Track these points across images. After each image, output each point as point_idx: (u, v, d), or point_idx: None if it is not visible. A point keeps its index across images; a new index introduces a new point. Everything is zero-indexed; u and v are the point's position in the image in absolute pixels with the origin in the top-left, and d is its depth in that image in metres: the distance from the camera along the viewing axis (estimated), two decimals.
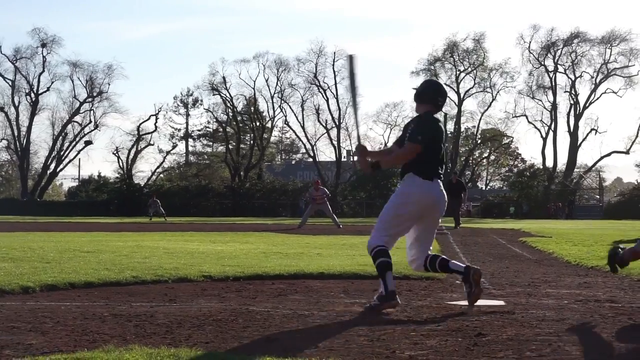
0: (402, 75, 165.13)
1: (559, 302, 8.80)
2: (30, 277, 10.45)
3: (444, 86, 9.16)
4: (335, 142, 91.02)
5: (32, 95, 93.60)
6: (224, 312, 7.92)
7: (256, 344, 6.21)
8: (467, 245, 20.26)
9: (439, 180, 8.43)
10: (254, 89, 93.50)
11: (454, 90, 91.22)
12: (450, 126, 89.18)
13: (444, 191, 8.49)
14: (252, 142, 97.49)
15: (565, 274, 12.44)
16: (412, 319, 7.60)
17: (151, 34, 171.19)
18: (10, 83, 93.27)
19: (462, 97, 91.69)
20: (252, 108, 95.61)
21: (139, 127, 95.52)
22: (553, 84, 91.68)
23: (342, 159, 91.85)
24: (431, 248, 8.90)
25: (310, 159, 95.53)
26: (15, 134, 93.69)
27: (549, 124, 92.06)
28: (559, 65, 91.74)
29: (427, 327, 7.10)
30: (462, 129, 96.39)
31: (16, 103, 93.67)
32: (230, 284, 10.66)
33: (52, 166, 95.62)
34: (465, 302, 8.47)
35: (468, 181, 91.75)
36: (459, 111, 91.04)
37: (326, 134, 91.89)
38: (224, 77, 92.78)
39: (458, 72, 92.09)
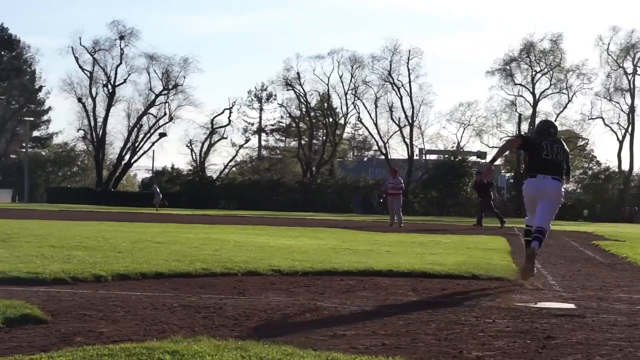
0: (477, 75, 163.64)
1: (632, 308, 8.66)
2: (102, 266, 10.60)
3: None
4: (407, 140, 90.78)
5: (109, 86, 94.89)
6: (292, 307, 7.95)
7: (323, 339, 6.22)
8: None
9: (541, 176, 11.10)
10: (327, 85, 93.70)
11: (529, 90, 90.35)
12: (525, 127, 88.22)
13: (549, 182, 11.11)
14: (324, 138, 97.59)
15: (638, 279, 12.23)
16: (481, 319, 7.54)
17: (227, 27, 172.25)
18: (88, 74, 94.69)
19: (537, 98, 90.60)
20: (326, 104, 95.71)
21: (212, 120, 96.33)
22: (631, 86, 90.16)
23: (415, 157, 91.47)
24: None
25: (382, 157, 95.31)
26: (92, 124, 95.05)
27: (626, 127, 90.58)
28: (638, 68, 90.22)
29: (496, 328, 7.03)
30: None
31: (94, 94, 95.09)
32: (299, 279, 10.69)
33: (127, 157, 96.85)
34: (534, 304, 8.40)
35: None
36: (534, 112, 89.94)
37: (399, 132, 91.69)
38: (298, 73, 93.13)
39: (534, 73, 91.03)
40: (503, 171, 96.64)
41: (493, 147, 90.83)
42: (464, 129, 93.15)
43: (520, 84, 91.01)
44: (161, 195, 58.58)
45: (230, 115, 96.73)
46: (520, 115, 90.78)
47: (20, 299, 7.48)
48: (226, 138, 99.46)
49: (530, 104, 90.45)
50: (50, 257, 11.95)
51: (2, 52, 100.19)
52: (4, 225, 20.44)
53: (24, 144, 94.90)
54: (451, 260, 13.79)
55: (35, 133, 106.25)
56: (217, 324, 6.86)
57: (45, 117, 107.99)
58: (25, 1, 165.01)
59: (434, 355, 5.76)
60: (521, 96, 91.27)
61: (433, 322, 7.28)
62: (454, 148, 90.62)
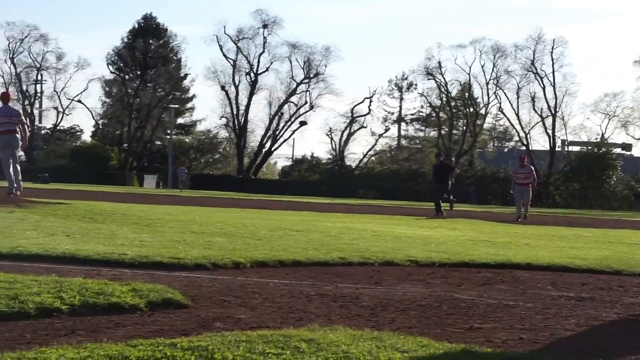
0: (624, 64, 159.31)
1: None
2: (242, 253, 10.76)
3: None
4: (549, 131, 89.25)
5: (252, 75, 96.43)
6: (428, 298, 7.92)
7: (459, 332, 6.18)
8: None
9: None
10: (469, 74, 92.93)
11: None
12: None
13: None
14: (464, 128, 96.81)
15: None
16: (622, 316, 7.36)
17: (369, 16, 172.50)
18: (232, 63, 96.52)
19: None
20: (467, 94, 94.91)
21: (352, 109, 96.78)
22: None
23: (557, 149, 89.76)
24: None
25: (523, 147, 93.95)
26: (234, 112, 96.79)
27: None
28: None
29: (638, 326, 6.85)
30: None
31: (236, 82, 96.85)
32: (435, 270, 10.64)
33: (268, 145, 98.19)
34: None
35: None
36: None
37: (541, 123, 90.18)
38: (439, 62, 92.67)
39: None
40: None
41: (639, 138, 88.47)
42: (609, 120, 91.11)
43: None
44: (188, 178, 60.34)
45: (370, 105, 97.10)
46: None
47: (162, 283, 7.67)
48: (366, 127, 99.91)
49: None
50: (191, 242, 12.22)
51: (150, 41, 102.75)
52: (149, 211, 20.99)
53: (168, 131, 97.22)
54: (593, 254, 13.50)
55: (180, 120, 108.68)
56: (353, 313, 6.89)
57: (189, 105, 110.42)
58: None
59: (573, 351, 5.66)
60: None
61: (572, 317, 7.14)
62: (598, 139, 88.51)
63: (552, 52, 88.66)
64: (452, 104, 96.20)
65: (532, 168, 32.30)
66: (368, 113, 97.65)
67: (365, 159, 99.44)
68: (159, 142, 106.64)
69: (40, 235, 12.17)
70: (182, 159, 79.83)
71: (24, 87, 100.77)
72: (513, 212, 29.92)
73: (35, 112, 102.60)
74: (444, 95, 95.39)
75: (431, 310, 7.19)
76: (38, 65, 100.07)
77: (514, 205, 33.45)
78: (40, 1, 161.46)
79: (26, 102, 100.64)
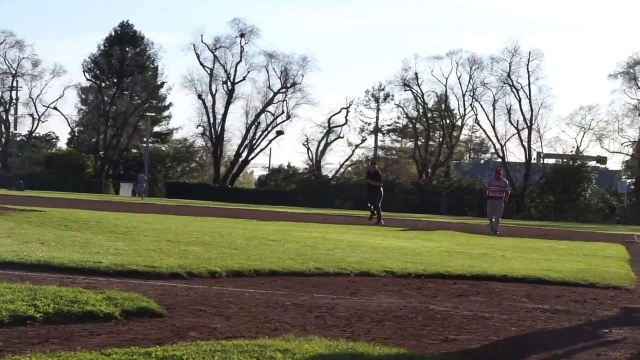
0: (599, 78, 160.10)
1: None
2: (218, 262, 10.75)
3: None
4: (525, 144, 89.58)
5: (229, 83, 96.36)
6: (404, 309, 7.93)
7: (434, 343, 6.19)
8: None
9: None
10: (445, 86, 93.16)
11: None
12: None
13: None
14: (441, 139, 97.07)
15: None
16: (597, 328, 7.39)
17: (346, 26, 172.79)
18: (208, 71, 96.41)
19: None
20: (443, 105, 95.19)
21: (329, 119, 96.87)
22: None
23: (532, 161, 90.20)
24: None
25: (499, 159, 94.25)
26: (211, 121, 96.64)
27: None
28: None
29: (612, 338, 6.89)
30: None
31: (213, 91, 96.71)
32: (411, 281, 10.66)
33: (244, 154, 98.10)
34: None
35: None
36: None
37: (517, 135, 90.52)
38: (416, 73, 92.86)
39: None
40: (624, 177, 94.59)
41: (614, 152, 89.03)
42: (584, 133, 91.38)
43: None
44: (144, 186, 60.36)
45: (347, 115, 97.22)
46: None
47: (137, 291, 7.65)
48: (342, 137, 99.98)
49: None
50: (167, 251, 12.20)
51: (127, 49, 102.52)
52: (124, 219, 20.93)
53: (145, 139, 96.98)
54: (567, 267, 13.57)
55: (156, 128, 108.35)
56: (328, 323, 6.89)
57: (166, 113, 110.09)
58: None
59: None
60: None
61: (547, 330, 7.17)
62: (573, 152, 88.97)
63: (527, 65, 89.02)
64: (429, 115, 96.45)
65: (507, 182, 31.37)
66: (345, 123, 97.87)
67: (342, 169, 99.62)
68: (135, 150, 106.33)
69: (15, 243, 12.12)
70: (141, 170, 79.79)
71: (0, 94, 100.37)
72: (488, 224, 29.92)
73: (11, 118, 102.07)
74: (420, 106, 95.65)
75: (407, 322, 7.20)
76: (13, 72, 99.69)
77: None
78: (16, 7, 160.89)
79: (1, 109, 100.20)
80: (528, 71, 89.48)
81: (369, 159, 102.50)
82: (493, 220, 29.10)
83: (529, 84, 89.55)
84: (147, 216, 24.85)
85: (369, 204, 32.76)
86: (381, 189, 32.40)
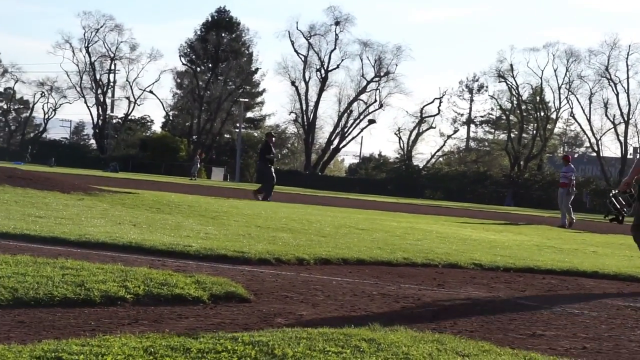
0: None
1: None
2: (306, 250, 10.79)
3: None
4: (621, 138, 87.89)
5: (322, 71, 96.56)
6: (491, 303, 7.86)
7: (521, 338, 6.12)
8: None
9: None
10: (541, 78, 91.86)
11: None
12: None
13: None
14: (534, 132, 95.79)
15: None
16: None
17: (441, 16, 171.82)
18: (303, 59, 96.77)
19: None
20: (538, 97, 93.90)
21: (422, 109, 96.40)
22: None
23: (628, 156, 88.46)
24: None
25: (594, 154, 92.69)
26: (304, 108, 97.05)
27: None
28: None
29: None
30: None
31: (307, 78, 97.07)
32: (500, 275, 10.55)
33: (336, 142, 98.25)
34: None
35: None
36: None
37: (613, 129, 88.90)
38: (511, 65, 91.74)
39: None
40: None
41: None
42: None
43: None
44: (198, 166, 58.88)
45: (440, 105, 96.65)
46: None
47: (226, 276, 7.72)
48: (435, 127, 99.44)
49: None
50: (256, 237, 12.29)
51: (223, 34, 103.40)
52: (215, 204, 21.13)
53: (237, 124, 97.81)
54: None
55: (249, 114, 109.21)
56: (415, 314, 6.86)
57: (259, 99, 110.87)
58: None
59: None
60: None
61: (638, 328, 7.03)
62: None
63: (627, 59, 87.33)
64: (523, 107, 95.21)
65: (573, 168, 28.65)
66: (437, 114, 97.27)
67: (433, 160, 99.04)
68: (228, 135, 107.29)
69: (108, 224, 12.34)
70: (199, 150, 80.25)
71: (98, 76, 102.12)
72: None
73: (108, 101, 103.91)
74: (514, 98, 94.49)
75: (494, 315, 7.13)
76: (112, 55, 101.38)
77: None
78: None
79: (99, 91, 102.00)
80: (627, 65, 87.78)
81: (460, 150, 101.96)
82: (561, 212, 27.88)
83: (628, 78, 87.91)
84: (238, 201, 25.06)
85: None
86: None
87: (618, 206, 11.05)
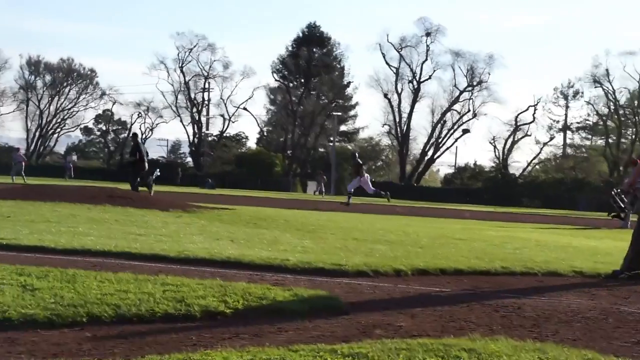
0: None
1: None
2: (403, 261, 10.75)
3: None
4: None
5: (415, 82, 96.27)
6: (593, 310, 7.72)
7: (626, 346, 6.00)
8: None
9: None
10: (638, 82, 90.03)
11: None
12: None
13: None
14: (633, 136, 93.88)
15: None
16: None
17: (533, 23, 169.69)
18: (394, 71, 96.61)
19: None
20: (636, 102, 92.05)
21: (516, 117, 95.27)
22: None
23: None
24: None
25: None
26: (397, 120, 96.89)
27: None
28: None
29: None
30: None
31: (399, 90, 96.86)
32: (601, 282, 10.37)
33: (430, 152, 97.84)
34: None
35: None
36: None
37: None
38: (607, 70, 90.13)
39: None
40: None
41: None
42: None
43: None
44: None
45: (534, 113, 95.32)
46: None
47: (324, 289, 7.75)
48: (530, 135, 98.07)
49: None
50: (353, 249, 12.29)
51: (314, 49, 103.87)
52: (312, 217, 21.22)
53: (331, 138, 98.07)
54: None
55: (343, 127, 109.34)
56: (515, 324, 6.79)
57: (352, 112, 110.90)
58: (337, 0, 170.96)
59: None
60: None
61: None
62: None
63: None
64: (621, 112, 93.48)
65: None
66: (532, 121, 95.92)
67: (530, 168, 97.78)
68: (322, 149, 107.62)
69: (206, 240, 12.48)
70: (321, 171, 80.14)
71: (192, 95, 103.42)
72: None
73: (203, 119, 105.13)
74: (611, 103, 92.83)
75: (596, 323, 7.00)
76: (206, 74, 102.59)
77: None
78: (209, 12, 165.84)
79: (194, 110, 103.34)
80: None
81: (557, 157, 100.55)
82: (629, 215, 26.62)
83: None
84: (334, 214, 25.11)
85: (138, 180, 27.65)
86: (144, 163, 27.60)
87: (621, 204, 11.02)
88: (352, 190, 34.14)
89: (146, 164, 27.97)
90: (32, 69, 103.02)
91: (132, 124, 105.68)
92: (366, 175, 34.02)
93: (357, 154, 36.33)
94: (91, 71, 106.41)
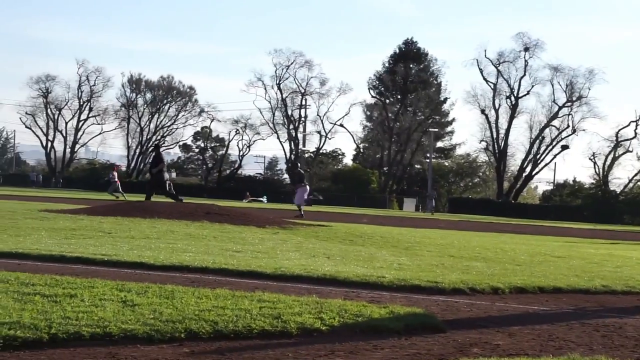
0: None
1: None
2: (500, 279, 10.64)
3: None
4: None
5: (512, 98, 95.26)
6: None
7: None
8: None
9: None
10: None
11: None
12: None
13: None
14: None
15: None
16: None
17: (634, 35, 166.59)
18: (492, 86, 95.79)
19: None
20: None
21: (617, 133, 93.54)
22: None
23: None
24: None
25: None
26: (494, 136, 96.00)
27: None
28: None
29: None
30: None
31: (496, 106, 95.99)
32: None
33: (528, 169, 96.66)
34: None
35: None
36: None
37: None
38: None
39: None
40: None
41: None
42: None
43: None
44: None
45: (636, 128, 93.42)
46: None
47: (420, 306, 7.71)
48: (632, 151, 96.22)
49: None
50: (449, 266, 12.22)
51: (411, 65, 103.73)
52: (407, 234, 21.16)
53: (428, 155, 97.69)
54: None
55: (439, 144, 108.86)
56: (616, 343, 6.66)
57: (449, 129, 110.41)
58: (434, 16, 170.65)
59: None
60: None
61: None
62: None
63: None
64: None
65: None
66: (634, 137, 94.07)
67: (631, 184, 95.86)
68: (419, 166, 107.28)
69: (303, 257, 12.54)
70: (437, 186, 79.66)
71: (289, 112, 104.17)
72: None
73: (300, 136, 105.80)
74: None
75: None
76: (303, 91, 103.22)
77: None
78: (306, 29, 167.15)
79: (291, 127, 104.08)
80: None
81: None
82: None
83: None
84: (430, 231, 24.99)
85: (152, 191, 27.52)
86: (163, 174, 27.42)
87: None
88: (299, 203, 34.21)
89: (165, 174, 28.04)
90: (133, 87, 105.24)
91: (229, 141, 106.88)
92: (307, 187, 35.22)
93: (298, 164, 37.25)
94: (190, 88, 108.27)
